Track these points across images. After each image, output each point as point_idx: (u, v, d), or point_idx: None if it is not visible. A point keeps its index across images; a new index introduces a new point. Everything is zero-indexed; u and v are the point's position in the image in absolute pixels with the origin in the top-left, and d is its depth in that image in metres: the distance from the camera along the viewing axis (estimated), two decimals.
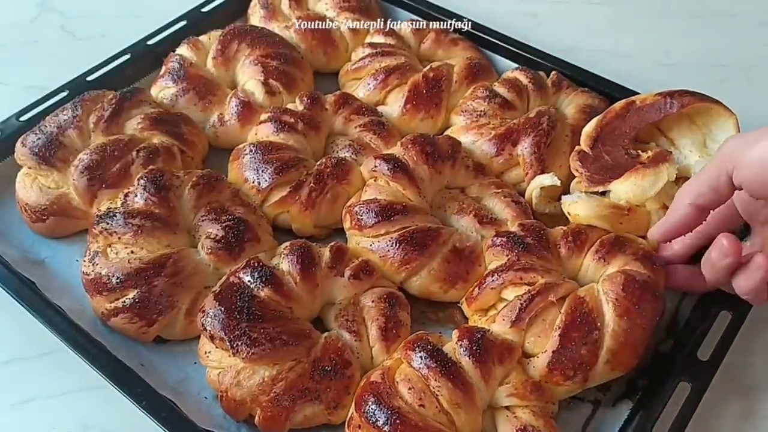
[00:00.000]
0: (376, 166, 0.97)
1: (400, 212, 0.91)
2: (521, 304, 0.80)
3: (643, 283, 0.82)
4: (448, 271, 0.90)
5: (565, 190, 1.00)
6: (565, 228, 0.90)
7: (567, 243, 0.88)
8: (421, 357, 0.76)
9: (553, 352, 0.77)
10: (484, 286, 0.86)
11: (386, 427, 0.71)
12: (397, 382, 0.76)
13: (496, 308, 0.85)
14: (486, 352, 0.77)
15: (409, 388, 0.74)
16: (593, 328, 0.78)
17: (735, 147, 0.72)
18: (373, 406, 0.73)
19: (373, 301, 0.86)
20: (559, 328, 0.78)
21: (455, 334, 0.80)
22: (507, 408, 0.77)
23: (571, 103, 1.11)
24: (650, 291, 0.81)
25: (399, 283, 0.92)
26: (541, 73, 1.15)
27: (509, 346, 0.79)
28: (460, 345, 0.78)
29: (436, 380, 0.74)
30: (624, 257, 0.86)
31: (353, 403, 0.77)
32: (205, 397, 0.83)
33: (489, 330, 0.81)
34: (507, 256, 0.86)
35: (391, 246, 0.90)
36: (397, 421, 0.71)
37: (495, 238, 0.89)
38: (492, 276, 0.85)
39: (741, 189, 0.73)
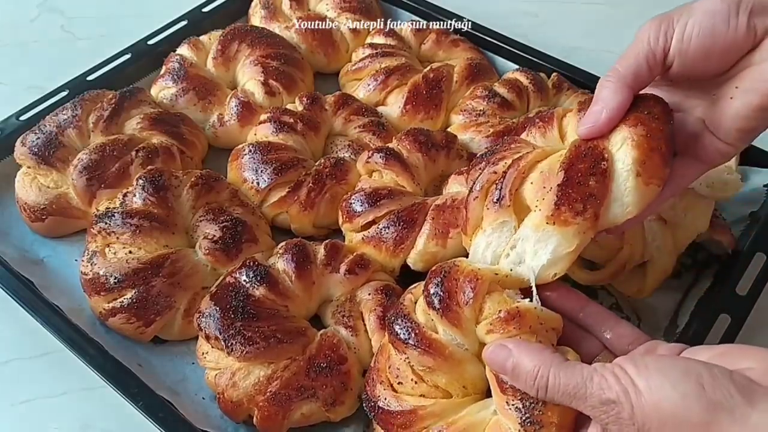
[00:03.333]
0: (369, 158, 0.97)
1: (386, 196, 0.91)
2: (498, 183, 0.72)
3: (650, 98, 0.71)
4: (437, 226, 0.89)
5: None
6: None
7: (534, 124, 0.81)
8: (391, 331, 0.72)
9: (558, 186, 0.68)
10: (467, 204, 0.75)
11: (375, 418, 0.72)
12: (388, 358, 0.73)
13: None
14: (449, 294, 0.69)
15: (389, 367, 0.72)
16: (600, 159, 0.68)
17: (662, 20, 0.66)
18: (364, 397, 0.74)
19: (369, 294, 0.86)
20: (563, 163, 0.69)
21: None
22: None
23: (571, 105, 1.11)
24: (651, 98, 0.71)
25: (398, 270, 0.91)
26: (542, 74, 1.15)
27: (474, 276, 0.69)
28: (425, 296, 0.71)
29: (403, 351, 0.70)
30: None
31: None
32: (203, 398, 0.83)
33: (449, 268, 0.71)
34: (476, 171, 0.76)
35: (382, 231, 0.90)
36: (381, 414, 0.71)
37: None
38: (470, 188, 0.75)
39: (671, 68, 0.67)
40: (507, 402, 0.64)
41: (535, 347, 0.62)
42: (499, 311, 0.67)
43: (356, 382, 0.81)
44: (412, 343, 0.69)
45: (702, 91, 0.70)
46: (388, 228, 0.90)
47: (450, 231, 0.88)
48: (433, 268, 0.73)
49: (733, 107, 0.66)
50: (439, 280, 0.70)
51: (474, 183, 0.75)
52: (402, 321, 0.71)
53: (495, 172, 0.73)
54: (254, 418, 0.78)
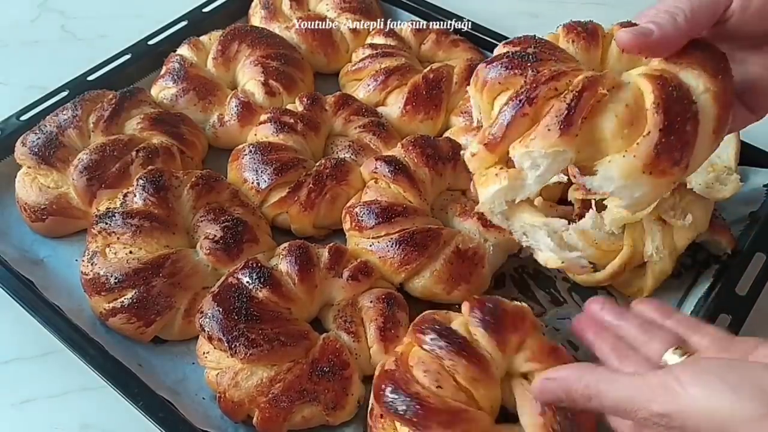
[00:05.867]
0: (376, 168, 0.97)
1: (401, 214, 0.91)
2: (568, 104, 0.61)
3: (700, 41, 0.68)
4: (451, 272, 0.89)
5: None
6: (562, 26, 0.73)
7: (578, 35, 0.71)
8: (431, 338, 0.76)
9: (660, 130, 0.61)
10: (506, 117, 0.64)
11: (408, 414, 0.71)
12: (412, 366, 0.75)
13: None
14: (500, 321, 0.75)
15: (425, 371, 0.74)
16: (690, 101, 0.62)
17: None
18: (392, 395, 0.73)
19: (371, 302, 0.86)
20: (659, 104, 0.61)
21: (465, 305, 0.79)
22: (524, 376, 0.76)
23: None
24: (719, 51, 0.68)
25: (398, 285, 0.92)
26: None
27: (521, 312, 0.77)
28: (473, 316, 0.77)
29: (450, 359, 0.74)
30: None
31: (372, 394, 0.77)
32: (203, 398, 0.83)
33: (500, 299, 0.78)
34: (517, 75, 0.65)
35: (391, 246, 0.90)
36: (417, 407, 0.71)
37: (490, 64, 0.68)
38: (516, 99, 0.63)
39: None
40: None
41: (576, 367, 0.61)
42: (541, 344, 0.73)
43: (357, 388, 0.81)
44: (465, 353, 0.73)
45: (752, 51, 0.70)
46: (398, 245, 0.89)
47: (461, 284, 0.89)
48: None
49: None
50: (492, 306, 0.76)
51: (521, 94, 0.63)
52: (448, 332, 0.76)
53: (556, 89, 0.62)
54: (254, 419, 0.78)
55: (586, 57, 0.69)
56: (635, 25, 0.66)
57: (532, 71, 0.64)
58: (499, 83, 0.66)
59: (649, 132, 0.61)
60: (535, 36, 0.69)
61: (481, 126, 0.69)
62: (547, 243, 0.67)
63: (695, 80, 0.64)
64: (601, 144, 0.62)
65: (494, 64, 0.66)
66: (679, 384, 0.52)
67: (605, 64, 0.70)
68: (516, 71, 0.65)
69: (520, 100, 0.63)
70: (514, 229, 0.69)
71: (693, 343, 0.62)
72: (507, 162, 0.65)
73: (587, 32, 0.70)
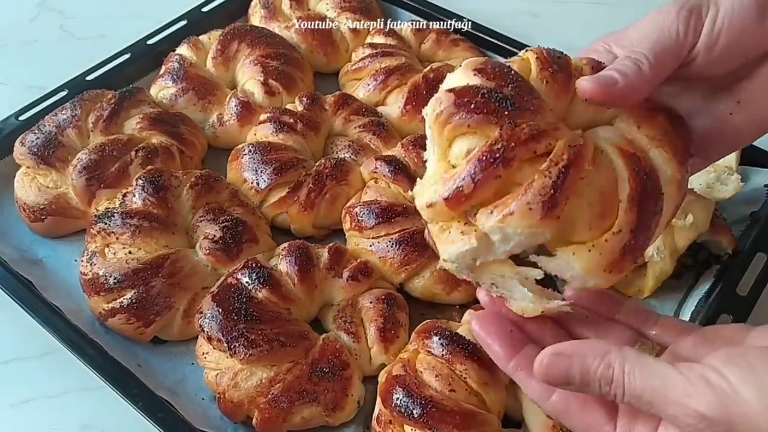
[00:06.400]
0: (376, 168, 0.96)
1: (401, 214, 0.91)
2: (554, 182, 0.53)
3: (677, 116, 0.63)
4: (450, 275, 0.89)
5: None
6: (534, 52, 0.62)
7: (552, 75, 0.60)
8: (441, 343, 0.77)
9: (631, 231, 0.55)
10: (475, 174, 0.55)
11: (422, 417, 0.71)
12: (420, 372, 0.76)
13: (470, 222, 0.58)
14: None
15: (436, 376, 0.75)
16: (658, 191, 0.58)
17: (690, 9, 0.58)
18: (405, 399, 0.73)
19: (371, 302, 0.85)
20: (633, 198, 0.56)
21: (470, 313, 0.81)
22: None
23: None
24: (680, 118, 0.63)
25: (398, 285, 0.91)
26: None
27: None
28: None
29: (461, 363, 0.75)
30: None
31: (379, 400, 0.77)
32: (202, 398, 0.83)
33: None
34: (492, 124, 0.55)
35: (391, 247, 0.90)
36: (433, 410, 0.72)
37: (461, 100, 0.56)
38: (490, 157, 0.54)
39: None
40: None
41: (595, 343, 0.52)
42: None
43: (357, 388, 0.80)
44: (477, 358, 0.74)
45: (713, 96, 0.63)
46: (398, 246, 0.89)
47: (460, 284, 0.89)
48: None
49: (731, 124, 0.61)
50: None
51: (497, 152, 0.54)
52: (458, 338, 0.77)
53: (535, 152, 0.55)
54: (254, 420, 0.78)
55: (555, 101, 0.61)
56: (600, 69, 0.60)
57: (509, 122, 0.55)
58: (468, 126, 0.56)
59: (620, 230, 0.56)
60: (510, 69, 0.59)
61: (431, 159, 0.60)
62: (522, 293, 0.59)
63: (665, 164, 0.59)
64: (566, 225, 0.55)
65: (466, 102, 0.56)
66: (727, 383, 0.45)
67: (573, 108, 0.62)
68: (491, 118, 0.55)
69: (494, 159, 0.54)
70: (482, 281, 0.60)
71: (655, 337, 0.58)
72: (467, 213, 0.57)
73: (561, 70, 0.61)
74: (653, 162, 0.58)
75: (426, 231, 0.60)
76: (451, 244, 0.57)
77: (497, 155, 0.54)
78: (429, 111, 0.58)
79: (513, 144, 0.54)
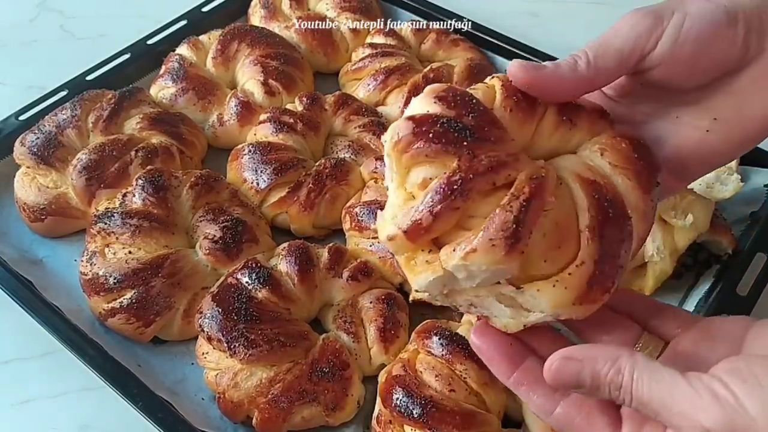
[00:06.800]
0: (376, 168, 0.96)
1: None
2: (516, 216, 0.51)
3: (643, 144, 0.61)
4: None
5: None
6: (500, 79, 0.60)
7: (517, 104, 0.58)
8: (441, 344, 0.77)
9: (595, 261, 0.54)
10: (433, 207, 0.53)
11: (422, 417, 0.72)
12: (420, 372, 0.76)
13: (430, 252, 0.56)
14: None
15: (436, 376, 0.75)
16: (624, 217, 0.56)
17: (653, 19, 0.56)
18: (405, 399, 0.73)
19: (371, 302, 0.86)
20: (594, 227, 0.54)
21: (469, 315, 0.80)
22: None
23: None
24: (643, 143, 0.61)
25: (398, 285, 0.91)
26: None
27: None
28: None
29: (461, 363, 0.75)
30: (587, 113, 0.61)
31: (379, 400, 0.77)
32: (202, 398, 0.83)
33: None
34: (450, 154, 0.54)
35: None
36: (433, 410, 0.72)
37: (420, 129, 0.54)
38: (448, 189, 0.53)
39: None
40: None
41: (606, 348, 0.51)
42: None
43: (357, 388, 0.81)
44: (477, 358, 0.68)
45: (681, 107, 0.60)
46: None
47: None
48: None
49: (707, 142, 0.58)
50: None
51: (455, 184, 0.53)
52: (458, 338, 0.77)
53: (494, 183, 0.53)
54: (254, 420, 0.78)
55: (518, 130, 0.59)
56: None
57: (468, 153, 0.53)
58: (426, 156, 0.54)
59: (583, 262, 0.54)
60: (472, 97, 0.57)
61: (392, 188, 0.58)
62: (500, 310, 0.57)
63: (629, 193, 0.57)
64: (524, 259, 0.53)
65: (424, 131, 0.54)
66: (734, 397, 0.43)
67: (538, 136, 0.60)
68: (450, 148, 0.54)
69: (452, 191, 0.52)
70: (459, 304, 0.59)
71: (656, 329, 0.56)
72: (433, 241, 0.56)
73: (524, 98, 0.59)
74: (617, 188, 0.57)
75: (395, 261, 0.58)
76: (419, 274, 0.55)
77: (455, 187, 0.52)
78: (387, 138, 0.55)
79: (471, 175, 0.52)
